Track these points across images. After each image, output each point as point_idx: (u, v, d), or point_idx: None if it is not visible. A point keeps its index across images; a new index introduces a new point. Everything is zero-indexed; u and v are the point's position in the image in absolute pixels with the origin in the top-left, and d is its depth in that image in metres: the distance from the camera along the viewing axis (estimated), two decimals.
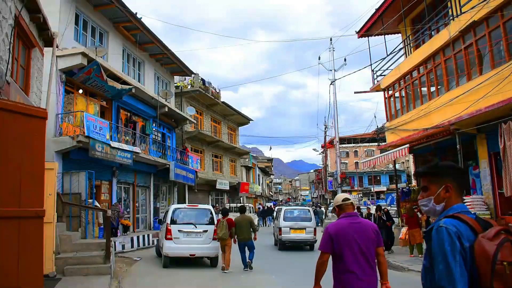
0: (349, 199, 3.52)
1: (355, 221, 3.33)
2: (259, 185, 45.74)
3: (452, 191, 1.89)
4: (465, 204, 7.49)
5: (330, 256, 3.34)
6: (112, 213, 12.97)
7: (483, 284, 1.59)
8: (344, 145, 54.47)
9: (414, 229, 12.22)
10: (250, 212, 24.28)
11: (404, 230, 13.12)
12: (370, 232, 3.33)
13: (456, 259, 1.62)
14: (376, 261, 3.35)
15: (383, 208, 15.56)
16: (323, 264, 3.34)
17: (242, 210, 11.07)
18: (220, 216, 11.10)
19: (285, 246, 14.81)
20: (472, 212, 1.89)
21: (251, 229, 10.36)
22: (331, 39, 20.00)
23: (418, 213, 13.02)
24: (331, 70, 19.29)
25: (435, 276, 1.67)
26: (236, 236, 10.18)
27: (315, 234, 14.72)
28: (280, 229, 14.80)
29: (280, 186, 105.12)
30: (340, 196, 3.61)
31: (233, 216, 11.43)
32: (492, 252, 1.58)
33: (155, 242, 14.27)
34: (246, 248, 10.26)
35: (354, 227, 3.29)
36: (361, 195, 53.49)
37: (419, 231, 12.11)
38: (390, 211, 20.20)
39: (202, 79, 25.95)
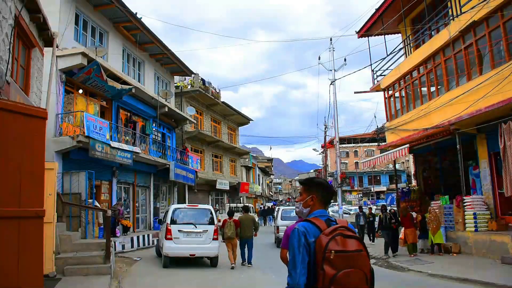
0: None
1: None
2: (259, 185, 45.74)
3: (316, 200, 2.44)
4: (466, 203, 7.48)
5: None
6: (111, 212, 12.95)
7: (318, 267, 2.10)
8: (344, 145, 54.46)
9: (408, 229, 12.11)
10: (251, 212, 24.36)
11: (403, 229, 13.06)
12: None
13: (300, 251, 2.15)
14: None
15: (389, 208, 14.94)
16: (284, 259, 3.88)
17: (246, 209, 11.78)
18: (220, 216, 11.26)
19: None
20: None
21: (253, 228, 10.98)
22: (331, 39, 19.97)
23: (413, 213, 13.02)
24: (331, 70, 19.27)
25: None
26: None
27: None
28: (277, 227, 15.60)
29: (280, 186, 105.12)
30: None
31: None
32: (324, 243, 2.10)
33: (155, 242, 14.27)
34: (246, 245, 10.84)
35: None
36: (361, 195, 53.53)
37: (413, 231, 12.08)
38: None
39: (202, 79, 25.95)
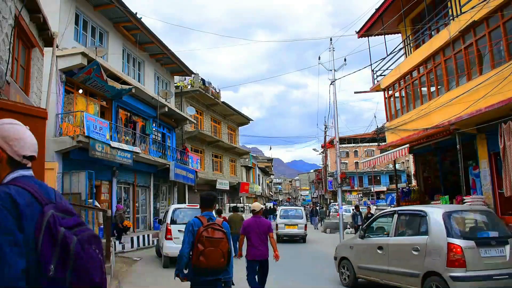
0: (255, 210, 6.51)
1: (258, 220, 6.36)
2: (259, 185, 45.75)
3: (202, 207, 4.13)
4: (466, 203, 7.79)
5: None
6: (115, 218, 12.88)
7: (195, 245, 3.68)
8: (344, 145, 54.44)
9: None
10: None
11: None
12: (264, 225, 6.34)
13: (188, 234, 3.83)
14: (268, 240, 6.28)
15: None
16: (242, 240, 6.66)
17: (235, 209, 14.25)
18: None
19: (281, 239, 17.35)
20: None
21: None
22: (331, 39, 19.94)
23: None
24: (331, 70, 19.24)
25: None
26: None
27: (305, 229, 17.77)
28: (277, 225, 17.29)
29: (280, 186, 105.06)
30: (252, 206, 6.63)
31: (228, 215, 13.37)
32: (200, 231, 3.66)
33: (155, 242, 14.26)
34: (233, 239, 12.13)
35: (256, 222, 6.29)
36: (361, 195, 53.49)
37: None
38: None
39: (202, 79, 25.94)
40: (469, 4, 11.35)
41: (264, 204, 44.90)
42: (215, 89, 28.04)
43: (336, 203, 23.85)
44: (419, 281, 5.92)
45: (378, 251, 6.89)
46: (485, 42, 11.29)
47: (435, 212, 6.16)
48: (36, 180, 1.59)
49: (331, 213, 32.09)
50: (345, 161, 56.54)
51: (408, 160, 48.40)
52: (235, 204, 23.35)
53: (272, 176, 70.89)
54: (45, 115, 4.34)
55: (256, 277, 6.31)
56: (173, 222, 10.57)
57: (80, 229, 1.50)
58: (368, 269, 7.27)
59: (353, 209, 16.81)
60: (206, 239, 3.62)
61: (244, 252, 6.57)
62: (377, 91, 17.88)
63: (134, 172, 16.91)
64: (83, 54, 12.29)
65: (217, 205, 28.47)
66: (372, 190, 53.80)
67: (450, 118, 11.87)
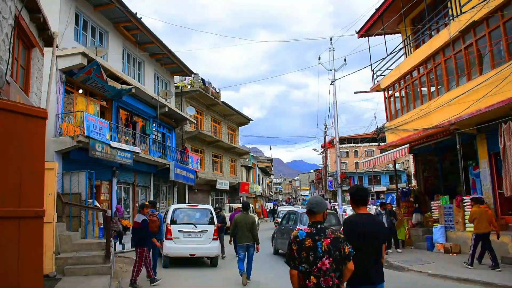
0: (233, 207, 15.67)
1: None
2: (259, 185, 45.75)
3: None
4: (466, 202, 7.79)
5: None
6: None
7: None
8: (344, 145, 54.45)
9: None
10: (251, 212, 24.82)
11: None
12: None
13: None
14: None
15: None
16: (232, 227, 9.05)
17: (219, 209, 15.43)
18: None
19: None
20: None
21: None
22: (331, 39, 19.95)
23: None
24: (331, 70, 19.25)
25: None
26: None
27: None
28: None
29: (280, 186, 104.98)
30: (235, 206, 15.34)
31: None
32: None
33: None
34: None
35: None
36: None
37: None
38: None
39: (202, 79, 25.94)
40: (469, 4, 11.35)
41: (271, 206, 48.86)
42: (215, 89, 28.04)
43: (336, 203, 23.86)
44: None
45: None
46: (485, 42, 11.29)
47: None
48: None
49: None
50: (345, 161, 56.54)
51: (408, 160, 48.41)
52: (219, 206, 24.00)
53: (272, 176, 70.85)
54: (45, 115, 4.33)
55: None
56: (173, 222, 10.57)
57: None
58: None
59: (376, 208, 15.38)
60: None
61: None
62: (377, 91, 17.88)
63: (134, 172, 16.91)
64: (83, 54, 12.29)
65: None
66: (372, 190, 53.79)
67: (450, 118, 11.87)
